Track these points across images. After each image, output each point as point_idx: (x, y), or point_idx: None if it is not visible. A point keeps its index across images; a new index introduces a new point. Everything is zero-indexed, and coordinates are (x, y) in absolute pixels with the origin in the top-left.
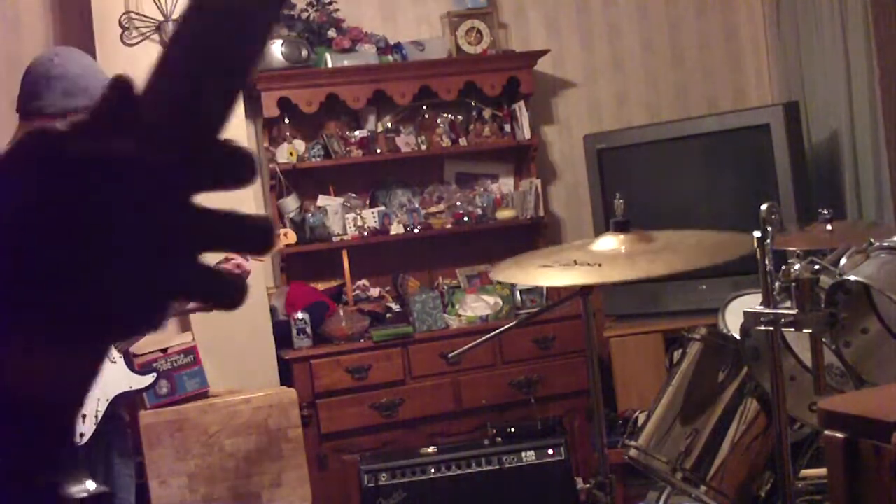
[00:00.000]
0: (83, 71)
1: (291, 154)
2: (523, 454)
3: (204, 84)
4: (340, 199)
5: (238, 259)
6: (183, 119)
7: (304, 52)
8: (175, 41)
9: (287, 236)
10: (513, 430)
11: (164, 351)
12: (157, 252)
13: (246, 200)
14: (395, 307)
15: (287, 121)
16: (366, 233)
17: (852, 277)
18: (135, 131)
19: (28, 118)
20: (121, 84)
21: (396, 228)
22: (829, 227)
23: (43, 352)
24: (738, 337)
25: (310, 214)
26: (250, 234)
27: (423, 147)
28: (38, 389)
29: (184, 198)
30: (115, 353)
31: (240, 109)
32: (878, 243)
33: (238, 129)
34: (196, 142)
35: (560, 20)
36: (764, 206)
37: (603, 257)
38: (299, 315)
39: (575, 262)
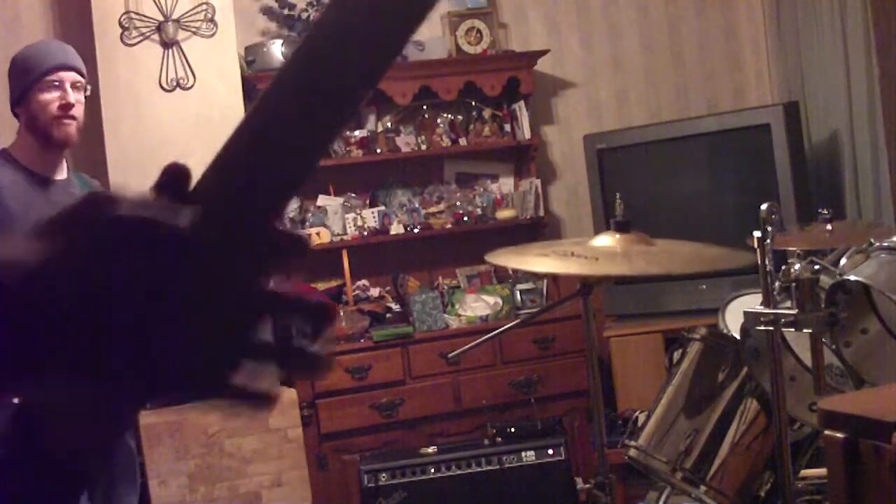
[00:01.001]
0: (28, 51)
1: None
2: (523, 454)
3: (264, 176)
4: (340, 199)
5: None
6: (240, 205)
7: None
8: (243, 130)
9: (319, 235)
10: (513, 430)
11: None
12: (207, 326)
13: None
14: (395, 307)
15: None
16: (366, 233)
17: (852, 277)
18: (193, 210)
19: (15, 115)
20: (176, 169)
21: (396, 228)
22: (829, 227)
23: (83, 403)
24: (738, 337)
25: (310, 214)
26: (308, 319)
27: (423, 147)
28: (67, 437)
29: (237, 278)
30: None
31: (240, 109)
32: (878, 243)
33: None
34: (251, 227)
35: (560, 20)
36: (764, 206)
37: (600, 252)
38: None
39: (572, 254)
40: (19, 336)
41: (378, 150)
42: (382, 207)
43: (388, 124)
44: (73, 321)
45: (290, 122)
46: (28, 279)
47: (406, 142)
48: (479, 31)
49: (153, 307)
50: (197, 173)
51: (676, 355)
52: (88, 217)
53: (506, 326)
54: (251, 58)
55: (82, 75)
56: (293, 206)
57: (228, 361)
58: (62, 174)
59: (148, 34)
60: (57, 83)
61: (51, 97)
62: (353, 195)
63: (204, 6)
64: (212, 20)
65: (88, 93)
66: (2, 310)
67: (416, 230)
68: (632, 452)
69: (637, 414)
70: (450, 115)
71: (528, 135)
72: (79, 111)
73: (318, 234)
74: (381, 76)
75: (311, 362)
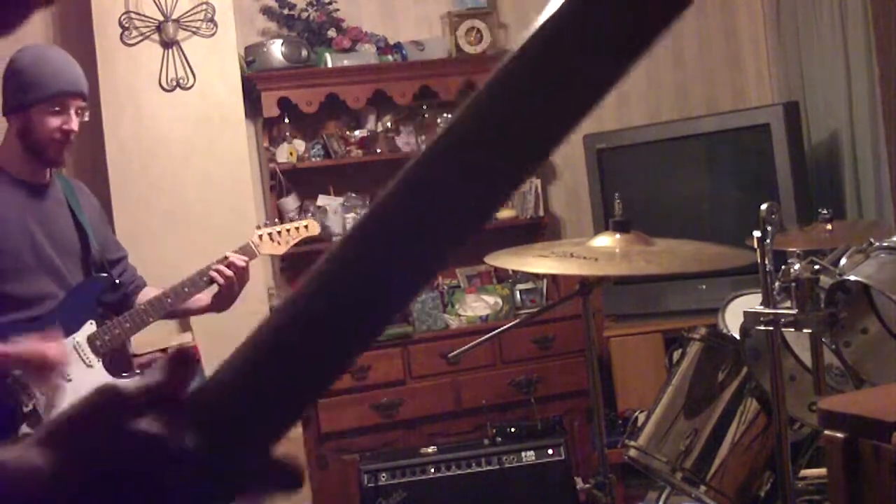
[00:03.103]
0: (36, 63)
1: (291, 154)
2: (523, 454)
3: (269, 400)
4: (340, 199)
5: (233, 258)
6: (241, 429)
7: (304, 52)
8: (256, 346)
9: (308, 228)
10: (513, 430)
11: (163, 351)
12: None
13: (246, 201)
14: None
15: (287, 121)
16: None
17: (852, 277)
18: (197, 422)
19: (5, 119)
20: (184, 357)
21: None
22: (829, 227)
23: None
24: (737, 337)
25: (310, 214)
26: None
27: (424, 147)
28: None
29: (230, 499)
30: (91, 356)
31: (240, 109)
32: (878, 243)
33: (238, 129)
34: (250, 453)
35: None
36: (764, 206)
37: (600, 253)
38: None
39: (571, 255)
40: None
41: (378, 150)
42: None
43: (388, 124)
44: None
45: (304, 354)
46: (42, 489)
47: (406, 142)
48: (479, 31)
49: None
50: (198, 172)
51: (676, 355)
52: (97, 427)
53: (506, 326)
54: (251, 58)
55: (85, 99)
56: (293, 207)
57: None
58: (45, 178)
59: (148, 34)
60: (61, 109)
61: (54, 121)
62: (353, 195)
63: (204, 6)
64: (212, 20)
65: (87, 117)
66: None
67: None
68: (631, 452)
69: (637, 414)
70: (450, 115)
71: None
72: (75, 134)
73: (306, 226)
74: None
75: None
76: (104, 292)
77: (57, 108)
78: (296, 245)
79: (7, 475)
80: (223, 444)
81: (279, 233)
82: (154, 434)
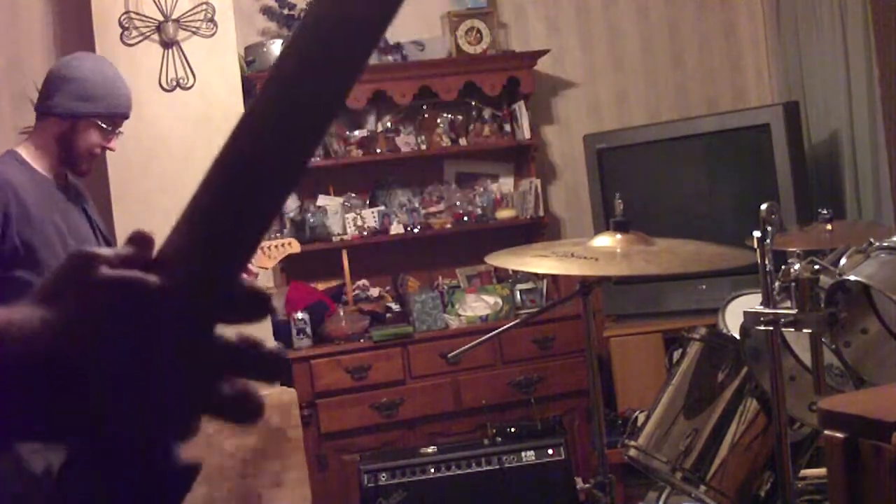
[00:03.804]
0: (96, 76)
1: None
2: (523, 454)
3: (225, 232)
4: (340, 199)
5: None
6: (206, 262)
7: None
8: (209, 183)
9: (291, 245)
10: (513, 430)
11: None
12: (179, 374)
13: None
14: (395, 307)
15: None
16: (366, 233)
17: (852, 277)
18: (161, 269)
19: (41, 117)
20: (141, 237)
21: (396, 228)
22: (829, 227)
23: (89, 462)
24: (737, 337)
25: (310, 214)
26: (265, 366)
27: (423, 147)
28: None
29: (203, 328)
30: None
31: (239, 109)
32: (878, 243)
33: None
34: (216, 282)
35: (560, 20)
36: (764, 206)
37: (600, 253)
38: (299, 315)
39: (572, 255)
40: (29, 396)
41: (378, 150)
42: (382, 207)
43: (388, 124)
44: (76, 378)
45: (252, 178)
46: (32, 342)
47: (406, 142)
48: (479, 31)
49: (140, 362)
50: (198, 172)
51: (676, 355)
52: (75, 280)
53: (506, 326)
54: (251, 58)
55: (128, 118)
56: (293, 207)
57: (196, 406)
58: (65, 179)
59: (148, 34)
60: (112, 128)
61: (98, 138)
62: (353, 195)
63: (204, 6)
64: (212, 20)
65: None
66: (11, 370)
67: (415, 230)
68: (631, 452)
69: (637, 414)
70: (450, 115)
71: (527, 135)
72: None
73: (289, 244)
74: (336, 111)
75: (252, 411)
76: None
77: (106, 126)
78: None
79: (18, 330)
80: (195, 278)
81: (264, 248)
82: (127, 275)
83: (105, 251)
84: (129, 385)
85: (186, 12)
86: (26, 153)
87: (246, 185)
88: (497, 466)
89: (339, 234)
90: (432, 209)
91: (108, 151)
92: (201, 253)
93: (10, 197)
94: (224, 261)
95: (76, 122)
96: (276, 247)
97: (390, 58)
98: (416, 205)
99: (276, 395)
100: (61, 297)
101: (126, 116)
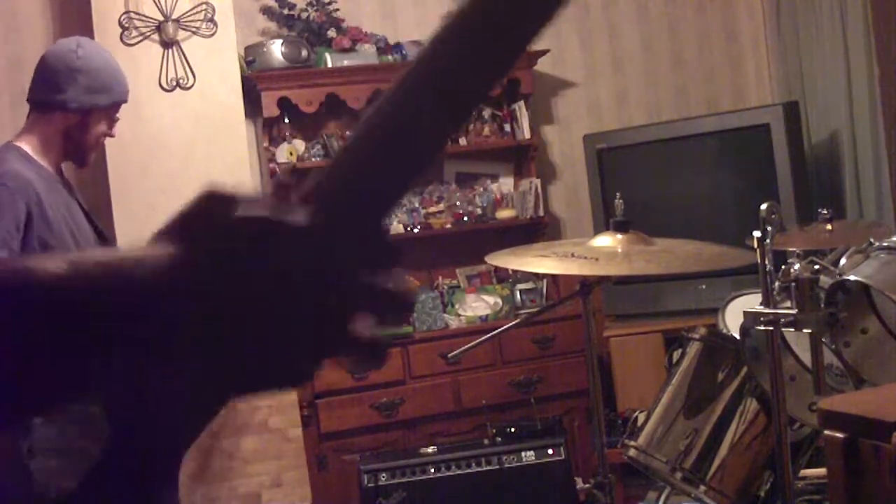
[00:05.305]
0: (105, 66)
1: (291, 154)
2: (523, 454)
3: (378, 183)
4: None
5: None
6: (353, 206)
7: (304, 52)
8: (360, 135)
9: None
10: (513, 430)
11: None
12: (321, 314)
13: None
14: None
15: (287, 121)
16: None
17: (852, 277)
18: (306, 210)
19: (45, 110)
20: (282, 181)
21: (396, 228)
22: (829, 227)
23: (186, 390)
24: (737, 337)
25: None
26: (395, 309)
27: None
28: (169, 423)
29: (342, 271)
30: None
31: (239, 109)
32: (878, 243)
33: (238, 129)
34: (362, 226)
35: (560, 20)
36: (764, 206)
37: (600, 253)
38: None
39: (572, 255)
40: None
41: None
42: None
43: None
44: (217, 312)
45: (405, 130)
46: (172, 277)
47: None
48: None
49: (281, 297)
50: (198, 172)
51: (676, 355)
52: (210, 221)
53: (506, 326)
54: (251, 58)
55: (104, 107)
56: None
57: (332, 346)
58: (62, 172)
59: (148, 34)
60: (115, 115)
61: (104, 127)
62: None
63: (204, 6)
64: (212, 20)
65: None
66: (155, 304)
67: (415, 230)
68: (631, 452)
69: (637, 414)
70: None
71: (527, 135)
72: None
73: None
74: (497, 81)
75: (377, 353)
76: None
77: (112, 115)
78: None
79: (146, 267)
80: (335, 220)
81: None
82: (264, 214)
83: (241, 192)
84: (262, 325)
85: (186, 12)
86: (30, 148)
87: (403, 135)
88: (497, 466)
89: None
90: (432, 209)
91: (107, 150)
92: (349, 197)
93: (33, 198)
94: (370, 207)
95: (87, 115)
96: None
97: (390, 57)
98: (416, 204)
99: (275, 395)
100: (193, 237)
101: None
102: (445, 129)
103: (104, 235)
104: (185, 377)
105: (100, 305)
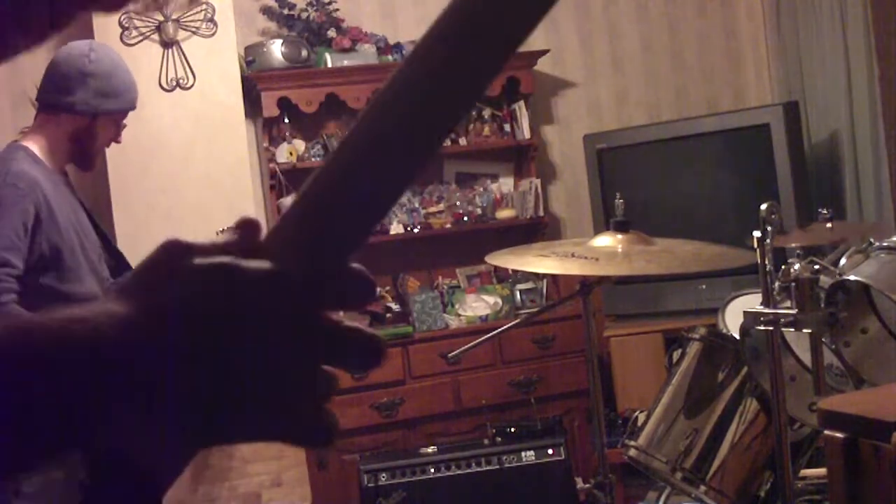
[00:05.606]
0: (116, 72)
1: (291, 154)
2: (523, 454)
3: (337, 223)
4: None
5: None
6: (314, 248)
7: (304, 52)
8: (318, 180)
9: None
10: (513, 430)
11: None
12: (284, 359)
13: (246, 201)
14: (395, 307)
15: (287, 121)
16: None
17: (852, 277)
18: (267, 255)
19: (53, 112)
20: (248, 223)
21: (396, 228)
22: (829, 226)
23: (166, 435)
24: (737, 337)
25: None
26: (364, 353)
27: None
28: (149, 463)
29: (311, 313)
30: None
31: (239, 109)
32: (878, 243)
33: (238, 129)
34: (324, 267)
35: (560, 20)
36: (764, 206)
37: (600, 253)
38: None
39: (572, 255)
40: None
41: None
42: None
43: None
44: (180, 365)
45: (369, 171)
46: (128, 330)
47: None
48: None
49: (228, 346)
50: (198, 172)
51: (676, 355)
52: (168, 270)
53: (506, 326)
54: (251, 58)
55: (115, 112)
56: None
57: (306, 393)
58: (66, 174)
59: (148, 34)
60: (123, 122)
61: (112, 133)
62: None
63: (204, 6)
64: (212, 20)
65: None
66: (109, 361)
67: (415, 230)
68: (631, 452)
69: (637, 414)
70: None
71: (527, 134)
72: None
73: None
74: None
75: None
76: None
77: (120, 122)
78: None
79: (96, 326)
80: (299, 263)
81: None
82: (225, 261)
83: (200, 241)
84: (227, 374)
85: (186, 12)
86: (37, 148)
87: (368, 171)
88: (497, 466)
89: None
90: (432, 209)
91: (107, 151)
92: (310, 243)
93: (41, 198)
94: (334, 251)
95: (95, 119)
96: None
97: (390, 57)
98: (416, 204)
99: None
100: (151, 288)
101: (134, 108)
102: (431, 139)
103: (107, 238)
104: (156, 425)
105: (63, 362)
